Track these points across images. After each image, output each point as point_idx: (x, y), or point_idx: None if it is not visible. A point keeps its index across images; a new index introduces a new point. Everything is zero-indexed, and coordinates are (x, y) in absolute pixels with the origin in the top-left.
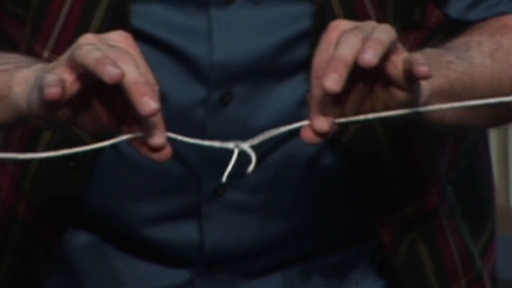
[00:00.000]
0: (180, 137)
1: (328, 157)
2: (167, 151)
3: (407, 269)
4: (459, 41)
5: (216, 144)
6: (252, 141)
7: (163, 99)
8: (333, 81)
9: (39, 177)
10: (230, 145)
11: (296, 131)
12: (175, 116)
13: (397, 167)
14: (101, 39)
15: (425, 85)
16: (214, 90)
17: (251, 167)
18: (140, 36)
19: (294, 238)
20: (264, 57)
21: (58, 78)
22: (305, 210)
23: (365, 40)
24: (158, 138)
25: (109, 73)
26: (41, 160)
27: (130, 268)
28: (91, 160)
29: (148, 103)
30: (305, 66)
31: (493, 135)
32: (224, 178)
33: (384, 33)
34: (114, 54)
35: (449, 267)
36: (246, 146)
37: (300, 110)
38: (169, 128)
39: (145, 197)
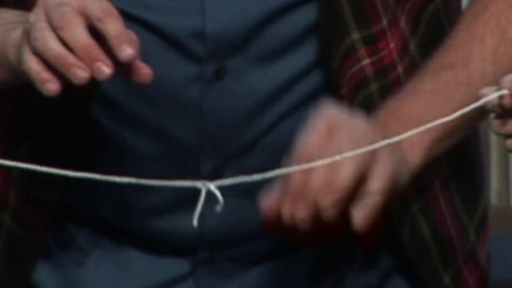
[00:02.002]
0: (143, 181)
1: None
2: (146, 71)
3: (413, 243)
4: (460, 43)
5: (185, 183)
6: (221, 182)
7: (155, 78)
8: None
9: (30, 162)
10: (198, 184)
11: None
12: (169, 95)
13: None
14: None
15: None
16: (207, 64)
17: (219, 207)
18: (126, 17)
19: None
20: (258, 27)
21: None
22: None
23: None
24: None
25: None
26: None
27: (128, 260)
28: (86, 146)
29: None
30: (303, 37)
31: (494, 135)
32: (194, 221)
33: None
34: (64, 20)
35: (447, 240)
36: (212, 186)
37: (297, 85)
38: (163, 108)
39: (143, 186)
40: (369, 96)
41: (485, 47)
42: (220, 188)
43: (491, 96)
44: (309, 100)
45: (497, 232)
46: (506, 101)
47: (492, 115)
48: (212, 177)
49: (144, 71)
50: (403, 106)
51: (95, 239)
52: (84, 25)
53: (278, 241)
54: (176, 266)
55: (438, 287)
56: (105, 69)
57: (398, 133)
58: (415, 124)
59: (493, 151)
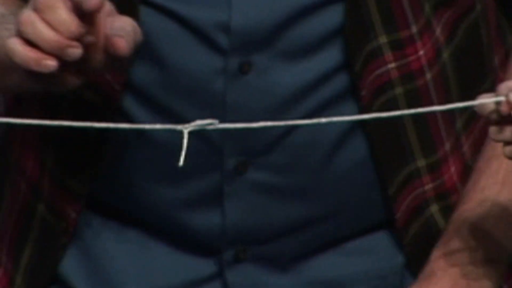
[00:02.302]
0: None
1: (351, 138)
2: (121, 44)
3: (418, 243)
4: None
5: (166, 126)
6: (198, 125)
7: (180, 70)
8: None
9: (61, 151)
10: (178, 127)
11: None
12: (194, 88)
13: (420, 147)
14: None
15: None
16: (232, 58)
17: (183, 154)
18: (154, 8)
19: (320, 220)
20: (285, 24)
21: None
22: (329, 191)
23: None
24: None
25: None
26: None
27: (153, 257)
28: (110, 135)
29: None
30: (330, 38)
31: None
32: (180, 162)
33: None
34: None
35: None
36: (188, 129)
37: (323, 85)
38: (188, 99)
39: (166, 180)
40: (393, 99)
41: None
42: (241, 184)
43: (487, 101)
44: (334, 101)
45: None
46: (503, 108)
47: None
48: (235, 172)
49: (119, 43)
50: None
51: (122, 233)
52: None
53: (302, 241)
54: (203, 266)
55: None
56: (74, 50)
57: None
58: None
59: None
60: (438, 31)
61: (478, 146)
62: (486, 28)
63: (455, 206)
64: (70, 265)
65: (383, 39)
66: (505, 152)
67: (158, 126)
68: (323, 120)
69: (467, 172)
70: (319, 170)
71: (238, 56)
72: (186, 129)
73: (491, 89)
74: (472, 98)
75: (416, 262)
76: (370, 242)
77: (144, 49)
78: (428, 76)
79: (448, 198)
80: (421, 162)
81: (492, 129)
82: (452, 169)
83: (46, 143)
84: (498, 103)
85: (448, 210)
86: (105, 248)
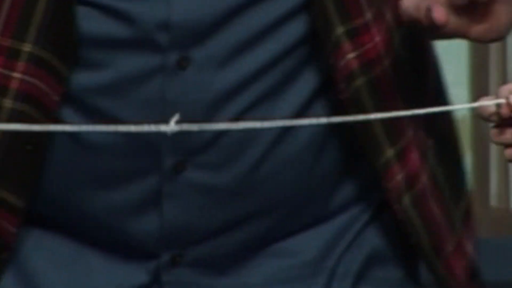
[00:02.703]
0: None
1: (293, 133)
2: None
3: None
4: None
5: (151, 127)
6: (187, 127)
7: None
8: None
9: None
10: (162, 127)
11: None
12: (132, 87)
13: (385, 133)
14: None
15: None
16: (170, 55)
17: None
18: (90, 6)
19: (257, 218)
20: (225, 18)
21: None
22: (265, 188)
23: None
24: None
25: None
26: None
27: (88, 268)
28: (47, 143)
29: None
30: (270, 30)
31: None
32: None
33: None
34: None
35: (437, 233)
36: (173, 128)
37: (262, 78)
38: (126, 99)
39: (103, 185)
40: (356, 90)
41: None
42: (180, 184)
43: (488, 103)
44: (273, 93)
45: (497, 233)
46: (504, 110)
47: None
48: (174, 172)
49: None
50: None
51: (56, 245)
52: None
53: (239, 241)
54: (139, 272)
55: (433, 278)
56: None
57: None
58: None
59: (493, 153)
60: (388, 15)
61: (431, 127)
62: None
63: (380, 78)
64: (9, 283)
65: (340, 29)
66: (506, 154)
67: (145, 127)
68: (323, 120)
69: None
70: (256, 166)
71: (177, 52)
72: (169, 128)
73: (434, 80)
74: (422, 87)
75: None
76: (307, 239)
77: (81, 53)
78: (386, 62)
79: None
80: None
81: (493, 132)
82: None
83: None
84: (498, 106)
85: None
86: (37, 263)
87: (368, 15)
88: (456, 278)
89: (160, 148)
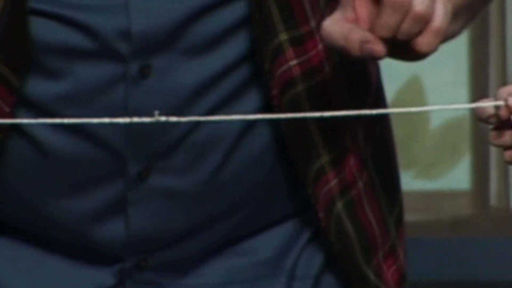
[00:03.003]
0: None
1: (254, 134)
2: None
3: (339, 242)
4: None
5: (144, 120)
6: (175, 119)
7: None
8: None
9: None
10: (153, 119)
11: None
12: (94, 97)
13: (322, 140)
14: None
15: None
16: (132, 64)
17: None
18: (46, 17)
19: (220, 220)
20: (184, 24)
21: None
22: (228, 189)
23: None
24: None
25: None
26: None
27: (50, 275)
28: (7, 147)
29: None
30: (229, 34)
31: None
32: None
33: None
34: None
35: (370, 239)
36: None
37: (223, 81)
38: (89, 109)
39: (66, 191)
40: (295, 97)
41: None
42: (145, 191)
43: (486, 104)
44: (235, 97)
45: (497, 233)
46: (502, 113)
47: (490, 126)
48: (138, 179)
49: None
50: None
51: (18, 252)
52: None
53: (203, 243)
54: (103, 279)
55: (364, 284)
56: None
57: None
58: None
59: (493, 153)
60: None
61: (367, 136)
62: None
63: (321, 85)
64: None
65: (283, 36)
66: (505, 157)
67: (136, 119)
68: (316, 114)
69: (365, 165)
70: (219, 168)
71: (138, 61)
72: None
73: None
74: (359, 102)
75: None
76: (268, 239)
77: (38, 63)
78: (327, 69)
79: (314, 76)
80: (283, 36)
81: (492, 134)
82: (319, 46)
83: None
84: (497, 108)
85: (313, 90)
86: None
87: (313, 23)
88: (387, 283)
89: (125, 155)
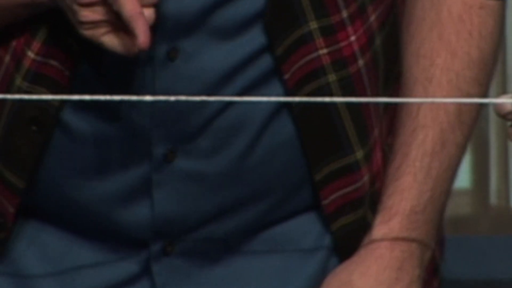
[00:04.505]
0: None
1: (277, 120)
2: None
3: (348, 235)
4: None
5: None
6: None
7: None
8: None
9: (2, 143)
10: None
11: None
12: (123, 80)
13: (356, 135)
14: None
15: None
16: (160, 46)
17: None
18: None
19: (247, 205)
20: (212, 8)
21: None
22: (255, 175)
23: None
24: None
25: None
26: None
27: (77, 260)
28: (53, 125)
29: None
30: (256, 20)
31: (493, 135)
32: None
33: None
34: None
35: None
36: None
37: (249, 67)
38: (117, 88)
39: (94, 172)
40: (325, 85)
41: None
42: (170, 173)
43: (505, 101)
44: (260, 83)
45: (497, 231)
46: None
47: (509, 123)
48: (164, 161)
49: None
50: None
51: (49, 240)
52: None
53: (230, 229)
54: (129, 263)
55: None
56: None
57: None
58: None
59: (493, 151)
60: (373, 17)
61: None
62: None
63: (354, 77)
64: (1, 282)
65: (313, 25)
66: None
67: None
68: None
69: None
70: (245, 153)
71: (166, 43)
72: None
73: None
74: (392, 90)
75: (344, 248)
76: (296, 227)
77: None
78: (361, 62)
79: (347, 67)
80: (313, 24)
81: (511, 131)
82: (378, 155)
83: None
84: None
85: (347, 81)
86: (29, 262)
87: (345, 13)
88: None
89: (151, 136)
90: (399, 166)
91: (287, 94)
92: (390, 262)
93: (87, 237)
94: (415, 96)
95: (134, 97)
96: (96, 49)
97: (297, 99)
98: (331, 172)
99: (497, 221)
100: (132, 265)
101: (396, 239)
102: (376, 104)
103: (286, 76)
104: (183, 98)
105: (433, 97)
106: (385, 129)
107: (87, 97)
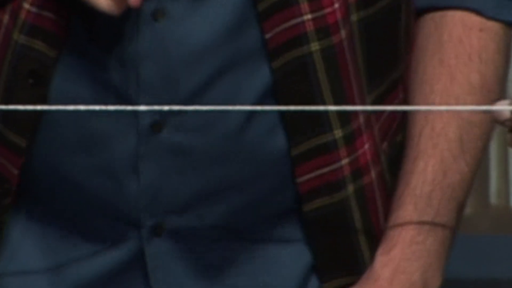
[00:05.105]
0: None
1: (268, 102)
2: None
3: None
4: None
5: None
6: None
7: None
8: None
9: (1, 101)
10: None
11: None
12: (111, 32)
13: (337, 115)
14: None
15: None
16: (146, 4)
17: None
18: None
19: (236, 188)
20: None
21: None
22: (245, 156)
23: None
24: None
25: None
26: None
27: (72, 251)
28: (49, 78)
29: None
30: None
31: (493, 135)
32: None
33: None
34: None
35: (377, 233)
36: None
37: (238, 35)
38: (101, 45)
39: (83, 145)
40: (308, 54)
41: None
42: (157, 145)
43: (501, 108)
44: (250, 55)
45: (497, 231)
46: None
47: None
48: (150, 132)
49: None
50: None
51: (44, 230)
52: None
53: (221, 214)
54: (122, 249)
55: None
56: None
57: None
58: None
59: (493, 151)
60: None
61: (385, 133)
62: (406, 16)
63: (336, 47)
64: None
65: None
66: None
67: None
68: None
69: (379, 156)
70: (236, 132)
71: (152, 2)
72: None
73: (399, 79)
74: (378, 82)
75: (315, 236)
76: (292, 224)
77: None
78: (343, 33)
79: (361, 178)
80: (338, 133)
81: (509, 137)
82: (366, 146)
83: None
84: None
85: (361, 193)
86: (24, 251)
87: None
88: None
89: (136, 104)
90: (400, 195)
91: (269, 59)
92: None
93: (81, 225)
94: (415, 124)
95: (129, 107)
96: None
97: (292, 108)
98: (308, 150)
99: (497, 221)
100: (124, 251)
101: (397, 269)
102: (361, 93)
103: (268, 36)
104: (176, 107)
105: (433, 125)
106: (377, 133)
107: (81, 107)
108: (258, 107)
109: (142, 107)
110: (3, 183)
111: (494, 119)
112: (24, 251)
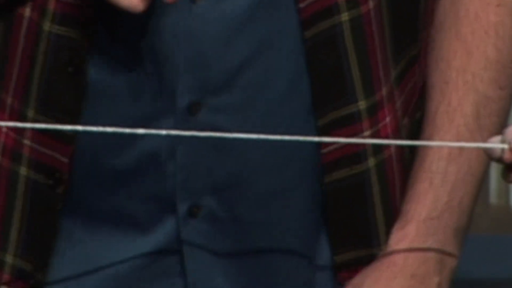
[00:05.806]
0: None
1: (301, 82)
2: None
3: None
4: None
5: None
6: None
7: None
8: None
9: (41, 93)
10: None
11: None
12: (142, 21)
13: (362, 86)
14: None
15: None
16: None
17: None
18: None
19: (273, 170)
20: None
21: None
22: (279, 142)
23: None
24: None
25: None
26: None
27: (104, 241)
28: (86, 66)
29: None
30: None
31: None
32: None
33: None
34: None
35: (394, 208)
36: None
37: (273, 4)
38: (140, 32)
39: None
40: (339, 24)
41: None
42: (195, 128)
43: (492, 145)
44: (284, 28)
45: (497, 230)
46: (506, 156)
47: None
48: (187, 113)
49: None
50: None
51: (74, 223)
52: None
53: (256, 196)
54: (158, 235)
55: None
56: None
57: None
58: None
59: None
60: None
61: (407, 108)
62: None
63: (364, 18)
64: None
65: None
66: None
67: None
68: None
69: (399, 131)
70: (272, 112)
71: None
72: None
73: (418, 56)
74: (400, 56)
75: (333, 207)
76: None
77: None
78: (371, 4)
79: (382, 152)
80: (362, 104)
81: (504, 173)
82: (388, 119)
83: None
84: (503, 150)
85: (381, 166)
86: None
87: None
88: None
89: (175, 88)
90: (416, 171)
91: (302, 30)
92: (402, 269)
93: (116, 212)
94: (432, 101)
95: (152, 131)
96: None
97: (285, 137)
98: (334, 121)
99: (497, 220)
100: (160, 236)
101: (411, 245)
102: (385, 60)
103: (301, 5)
104: (189, 133)
105: (449, 101)
106: (400, 103)
107: (109, 129)
108: (316, 138)
109: (141, 130)
110: (54, 172)
111: (488, 157)
112: (70, 254)
